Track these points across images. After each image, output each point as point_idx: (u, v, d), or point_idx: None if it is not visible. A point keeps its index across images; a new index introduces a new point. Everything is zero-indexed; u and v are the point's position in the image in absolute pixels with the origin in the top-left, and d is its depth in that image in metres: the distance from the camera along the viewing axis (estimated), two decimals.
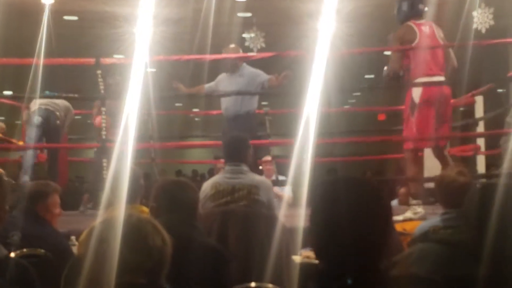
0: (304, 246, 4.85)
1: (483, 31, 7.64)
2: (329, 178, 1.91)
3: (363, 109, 12.88)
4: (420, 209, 5.89)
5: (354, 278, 1.76)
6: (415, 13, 6.28)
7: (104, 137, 6.89)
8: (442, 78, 6.18)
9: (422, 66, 6.08)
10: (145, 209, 3.87)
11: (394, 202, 8.06)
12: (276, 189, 7.00)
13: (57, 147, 7.96)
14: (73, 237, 4.72)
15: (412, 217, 5.74)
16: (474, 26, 6.82)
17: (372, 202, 1.82)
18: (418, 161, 6.37)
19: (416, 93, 6.10)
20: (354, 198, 1.81)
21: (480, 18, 8.66)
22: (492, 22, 8.74)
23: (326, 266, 1.82)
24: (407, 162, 6.31)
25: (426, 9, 6.38)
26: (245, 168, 4.80)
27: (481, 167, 8.82)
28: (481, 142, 8.89)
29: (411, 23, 6.22)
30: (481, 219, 2.32)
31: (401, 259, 2.02)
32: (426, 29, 6.22)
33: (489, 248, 2.22)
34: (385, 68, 6.42)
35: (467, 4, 6.91)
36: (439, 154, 6.26)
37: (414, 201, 6.04)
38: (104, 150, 6.77)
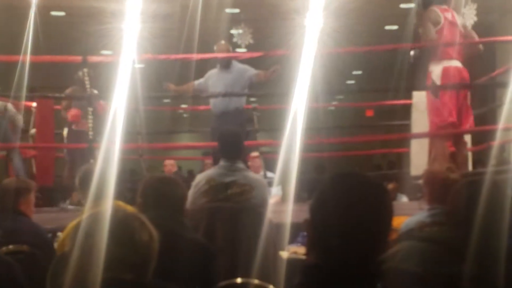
0: (291, 241, 4.87)
1: (470, 27, 7.67)
2: (338, 173, 1.91)
3: (351, 105, 12.90)
4: None
5: (351, 274, 1.77)
6: (438, 1, 6.44)
7: (91, 137, 6.87)
8: (459, 64, 6.34)
9: (442, 50, 6.26)
10: (121, 203, 3.88)
11: None
12: None
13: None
14: (59, 233, 4.71)
15: None
16: (463, 22, 6.87)
17: (378, 199, 1.83)
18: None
19: (436, 75, 6.24)
20: (360, 194, 1.81)
21: (467, 14, 8.71)
22: (475, 18, 8.80)
23: (321, 260, 1.81)
24: (435, 148, 6.33)
25: None
26: (240, 165, 4.76)
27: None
28: (467, 138, 8.89)
29: (435, 8, 6.38)
30: (466, 216, 2.32)
31: (388, 256, 2.03)
32: (448, 15, 6.42)
33: (474, 245, 2.23)
34: (412, 52, 6.53)
35: (453, 1, 6.94)
36: (459, 138, 6.34)
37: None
38: (91, 151, 6.74)
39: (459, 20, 6.52)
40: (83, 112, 7.64)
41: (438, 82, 6.25)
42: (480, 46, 6.56)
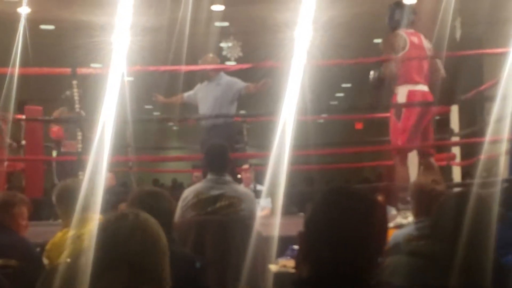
0: (281, 255, 4.87)
1: (458, 39, 7.73)
2: (332, 186, 1.92)
3: (339, 117, 12.91)
4: (409, 214, 5.95)
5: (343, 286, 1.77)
6: (406, 22, 6.39)
7: (80, 149, 6.85)
8: (425, 88, 6.29)
9: (407, 74, 6.20)
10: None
11: None
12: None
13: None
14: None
15: (402, 222, 5.77)
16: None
17: (371, 213, 1.83)
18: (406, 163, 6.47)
19: (401, 99, 6.21)
20: (354, 207, 1.82)
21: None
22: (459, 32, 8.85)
23: (313, 274, 1.82)
24: (397, 166, 6.37)
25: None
26: (227, 178, 4.77)
27: (456, 175, 8.88)
28: (456, 151, 8.94)
29: (401, 32, 6.32)
30: (451, 229, 2.34)
31: (378, 271, 2.03)
32: (415, 39, 6.35)
33: (460, 258, 2.24)
34: (372, 72, 6.49)
35: (441, 13, 6.97)
36: (426, 161, 6.34)
37: (402, 206, 6.08)
38: (80, 163, 6.72)
39: (426, 45, 6.44)
40: (71, 133, 7.64)
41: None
42: (443, 72, 6.48)
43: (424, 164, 6.37)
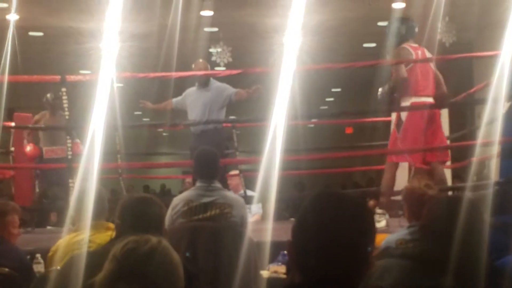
0: (272, 260, 4.86)
1: (447, 44, 7.75)
2: (318, 192, 1.91)
3: (330, 122, 12.94)
4: (382, 219, 5.96)
5: None
6: (411, 36, 6.45)
7: (70, 157, 6.82)
8: (430, 99, 6.33)
9: (412, 87, 6.25)
10: (111, 225, 3.85)
11: None
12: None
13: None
14: (38, 255, 4.66)
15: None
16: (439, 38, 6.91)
17: (359, 218, 1.83)
18: (395, 174, 6.50)
19: (404, 112, 6.23)
20: (340, 212, 1.81)
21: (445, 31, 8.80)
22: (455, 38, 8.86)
23: (302, 280, 1.81)
24: (385, 172, 6.40)
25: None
26: (217, 185, 4.75)
27: (447, 179, 8.87)
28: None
29: (407, 46, 6.37)
30: (440, 231, 2.34)
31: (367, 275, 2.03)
32: (419, 52, 6.41)
33: (452, 260, 2.24)
34: (380, 89, 6.51)
35: (430, 17, 6.97)
36: (437, 171, 6.33)
37: (379, 211, 6.09)
38: (70, 170, 6.69)
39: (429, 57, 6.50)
40: (55, 138, 7.63)
41: (404, 118, 6.27)
42: (445, 88, 6.54)
43: (415, 169, 6.38)
